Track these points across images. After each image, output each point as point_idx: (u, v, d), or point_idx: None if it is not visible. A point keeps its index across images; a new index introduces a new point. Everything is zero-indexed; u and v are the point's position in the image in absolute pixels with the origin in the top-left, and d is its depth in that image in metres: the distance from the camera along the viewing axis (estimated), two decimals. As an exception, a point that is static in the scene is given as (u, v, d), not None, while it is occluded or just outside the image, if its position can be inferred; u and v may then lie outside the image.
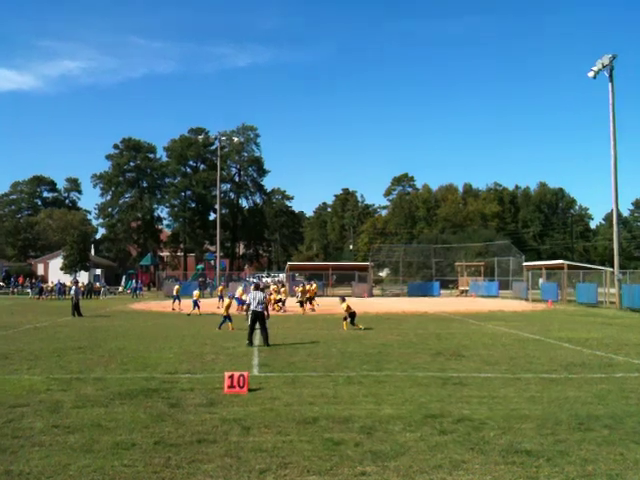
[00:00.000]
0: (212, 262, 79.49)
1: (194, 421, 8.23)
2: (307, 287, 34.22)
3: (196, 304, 29.24)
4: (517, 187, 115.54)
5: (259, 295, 17.13)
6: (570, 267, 45.50)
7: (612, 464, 6.51)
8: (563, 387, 10.79)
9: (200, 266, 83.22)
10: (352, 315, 21.83)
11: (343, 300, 22.70)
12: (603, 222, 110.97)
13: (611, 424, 8.13)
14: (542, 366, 13.31)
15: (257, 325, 16.83)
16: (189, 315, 28.51)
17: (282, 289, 34.41)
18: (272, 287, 35.78)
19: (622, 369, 12.92)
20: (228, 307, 21.72)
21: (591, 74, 38.05)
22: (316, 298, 35.26)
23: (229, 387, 10.09)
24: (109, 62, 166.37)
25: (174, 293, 34.25)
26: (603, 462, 6.57)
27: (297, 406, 9.13)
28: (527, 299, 45.61)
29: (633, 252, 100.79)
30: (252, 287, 18.89)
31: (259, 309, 16.72)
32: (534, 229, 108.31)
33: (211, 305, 33.56)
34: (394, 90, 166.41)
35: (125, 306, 38.65)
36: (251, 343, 16.52)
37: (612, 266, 38.98)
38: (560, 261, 49.23)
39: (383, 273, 78.72)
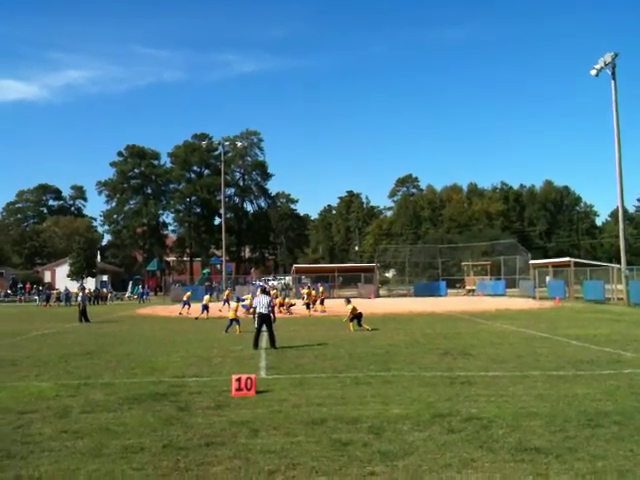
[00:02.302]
0: (218, 266, 79.71)
1: (202, 424, 8.23)
2: (312, 291, 34.48)
3: (205, 308, 29.38)
4: (522, 186, 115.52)
5: (265, 299, 17.14)
6: (577, 264, 45.37)
7: (622, 460, 6.47)
8: (571, 384, 10.75)
9: (206, 270, 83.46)
10: (358, 316, 21.82)
11: (348, 302, 22.73)
12: (609, 219, 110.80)
13: (620, 420, 8.09)
14: (550, 363, 13.26)
15: (264, 328, 16.84)
16: (197, 319, 28.56)
17: (304, 290, 34.79)
18: (273, 291, 35.87)
19: (631, 365, 12.85)
20: (236, 310, 21.85)
21: (594, 72, 37.99)
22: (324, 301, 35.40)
23: (237, 390, 10.09)
24: (115, 71, 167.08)
25: (184, 298, 34.38)
26: (613, 458, 6.53)
27: (305, 407, 9.12)
28: (534, 297, 45.47)
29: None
30: (258, 291, 18.91)
31: (266, 312, 16.72)
32: (540, 227, 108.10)
33: (216, 308, 33.51)
34: (397, 92, 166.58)
35: (132, 311, 38.72)
36: (257, 346, 16.51)
37: (619, 263, 38.86)
38: (567, 258, 49.07)
39: (389, 274, 78.69)
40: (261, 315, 16.68)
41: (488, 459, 6.55)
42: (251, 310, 20.75)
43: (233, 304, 23.21)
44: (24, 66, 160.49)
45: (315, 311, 32.55)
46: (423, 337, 19.22)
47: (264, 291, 18.21)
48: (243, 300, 26.25)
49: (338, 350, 16.04)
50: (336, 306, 34.70)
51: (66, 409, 9.26)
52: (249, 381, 10.14)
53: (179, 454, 6.88)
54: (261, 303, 16.88)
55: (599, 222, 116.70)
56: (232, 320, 21.43)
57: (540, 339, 18.19)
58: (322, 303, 34.80)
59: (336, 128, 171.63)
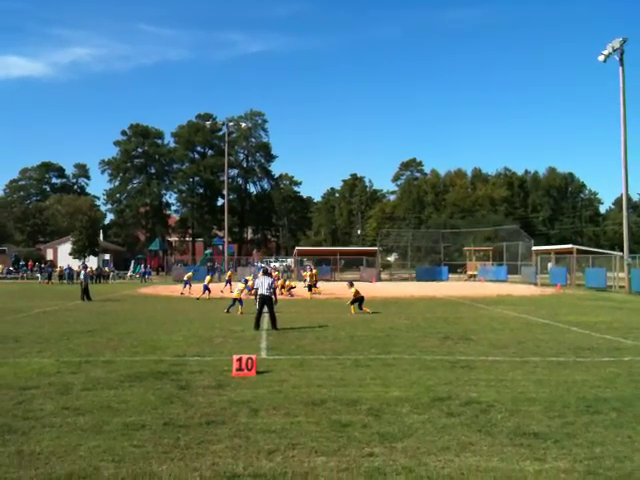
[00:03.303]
0: (220, 247, 79.71)
1: (203, 403, 8.28)
2: (306, 273, 34.79)
3: (206, 288, 29.44)
4: (526, 172, 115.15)
5: (267, 280, 17.18)
6: (579, 252, 45.31)
7: (620, 446, 6.50)
8: (571, 370, 10.78)
9: (208, 251, 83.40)
10: (360, 299, 21.88)
11: (351, 285, 22.80)
12: (613, 206, 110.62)
13: (619, 407, 8.12)
14: (550, 350, 13.29)
15: (265, 309, 16.88)
16: (198, 299, 28.64)
17: (306, 273, 35.03)
18: (274, 273, 36.11)
19: (631, 353, 12.89)
20: (242, 291, 22.02)
21: (601, 58, 37.71)
22: (317, 284, 35.52)
23: (237, 370, 10.13)
24: (120, 49, 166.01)
25: (185, 278, 34.44)
26: (611, 444, 6.56)
27: (305, 388, 9.16)
28: (536, 283, 45.47)
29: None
30: (260, 272, 18.97)
31: (267, 293, 16.76)
32: (543, 214, 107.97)
33: (217, 289, 33.57)
34: (403, 75, 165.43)
35: (134, 290, 38.84)
36: (258, 327, 16.56)
37: (622, 250, 38.82)
38: (569, 245, 49.01)
39: (391, 258, 78.70)
40: (262, 296, 16.72)
41: (486, 443, 6.58)
42: (252, 291, 20.82)
43: (240, 285, 23.27)
44: (29, 42, 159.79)
45: (316, 293, 32.54)
46: (424, 321, 19.26)
47: (266, 273, 18.26)
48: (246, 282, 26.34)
49: (339, 332, 16.09)
50: (337, 289, 34.80)
51: (67, 386, 9.31)
52: (250, 361, 10.18)
53: (179, 432, 6.93)
54: (263, 284, 16.91)
55: (603, 210, 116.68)
56: (235, 300, 21.53)
57: (541, 325, 18.23)
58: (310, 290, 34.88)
59: (341, 110, 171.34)
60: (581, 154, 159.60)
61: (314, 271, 36.83)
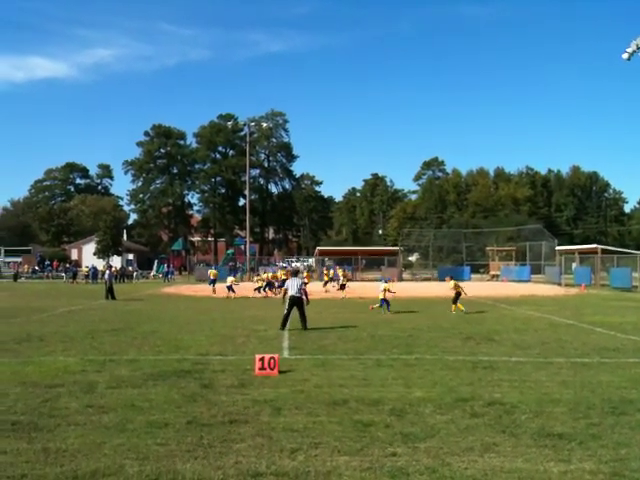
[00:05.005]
0: (242, 247, 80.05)
1: (226, 402, 8.31)
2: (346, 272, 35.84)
3: (231, 288, 29.85)
4: (550, 171, 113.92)
5: (297, 281, 17.15)
6: (604, 251, 44.79)
7: (646, 448, 6.42)
8: (596, 371, 10.66)
9: (230, 251, 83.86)
10: (457, 295, 22.51)
11: (451, 279, 23.35)
12: (638, 206, 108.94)
13: (645, 408, 8.01)
14: (575, 350, 13.15)
15: (294, 311, 16.82)
16: (228, 298, 29.03)
17: (339, 272, 35.87)
18: (305, 273, 37.00)
19: (657, 354, 12.71)
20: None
21: (625, 56, 37.14)
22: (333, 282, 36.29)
23: (260, 369, 10.16)
24: (142, 49, 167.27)
25: (212, 277, 34.67)
26: (637, 446, 6.47)
27: (327, 388, 9.16)
28: (560, 284, 45.02)
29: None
30: (290, 273, 19.07)
31: (297, 294, 16.74)
32: (567, 213, 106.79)
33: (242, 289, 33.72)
34: (425, 74, 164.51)
35: (157, 290, 39.16)
36: (284, 327, 16.52)
37: (647, 250, 38.28)
38: (594, 245, 48.46)
39: (413, 258, 78.44)
40: (292, 298, 16.62)
41: (510, 444, 6.53)
42: (282, 290, 20.90)
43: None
44: (52, 42, 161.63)
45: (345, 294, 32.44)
46: (446, 321, 19.18)
47: (295, 274, 18.19)
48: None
49: (361, 332, 16.07)
50: (359, 289, 34.74)
51: (92, 384, 9.41)
52: (272, 361, 10.21)
53: (202, 430, 6.97)
54: (293, 286, 16.83)
55: (628, 209, 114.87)
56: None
57: (565, 326, 18.04)
58: (325, 284, 36.48)
59: (362, 109, 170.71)
60: (606, 153, 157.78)
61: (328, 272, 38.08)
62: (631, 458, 6.08)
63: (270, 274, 35.20)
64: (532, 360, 11.86)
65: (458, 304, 22.07)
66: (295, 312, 16.70)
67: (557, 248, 52.81)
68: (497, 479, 5.53)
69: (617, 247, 54.13)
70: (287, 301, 16.96)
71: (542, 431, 6.97)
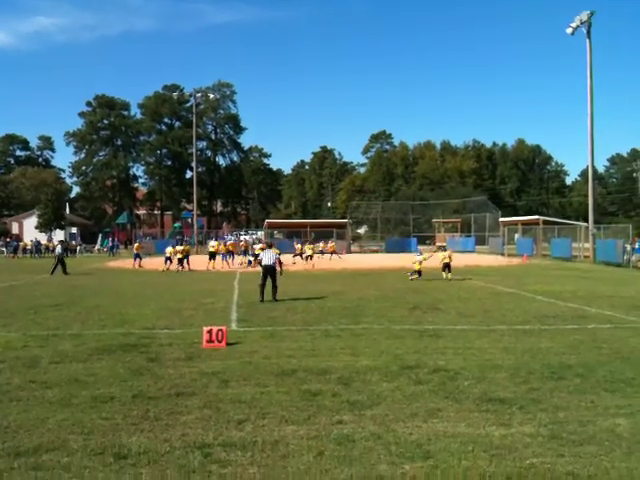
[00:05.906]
0: (189, 220, 79.12)
1: (173, 375, 8.25)
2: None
3: (170, 260, 29.68)
4: (495, 144, 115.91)
5: (271, 252, 17.45)
6: (545, 222, 46.07)
7: (583, 411, 6.66)
8: (537, 338, 10.99)
9: (177, 224, 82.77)
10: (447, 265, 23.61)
11: (444, 250, 23.85)
12: (579, 178, 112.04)
13: (583, 373, 8.30)
14: (516, 318, 13.53)
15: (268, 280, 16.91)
16: (178, 272, 28.84)
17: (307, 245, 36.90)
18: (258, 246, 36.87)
19: (594, 320, 13.18)
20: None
21: (569, 30, 37.87)
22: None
23: (208, 342, 10.11)
24: (85, 18, 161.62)
25: (135, 251, 34.38)
26: (574, 409, 6.72)
27: (275, 359, 9.19)
28: (503, 254, 46.13)
29: (608, 208, 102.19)
30: (264, 245, 19.64)
31: (270, 264, 16.93)
32: (511, 185, 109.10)
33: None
34: (372, 46, 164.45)
35: (102, 264, 38.43)
36: (263, 299, 16.51)
37: (587, 221, 39.50)
38: (536, 217, 49.75)
39: (361, 230, 79.04)
40: (266, 267, 16.86)
41: (453, 409, 6.69)
42: (255, 261, 21.43)
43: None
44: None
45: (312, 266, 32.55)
46: (393, 292, 19.43)
47: (270, 246, 18.72)
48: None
49: (309, 304, 16.14)
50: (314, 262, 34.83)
51: (35, 359, 9.19)
52: (220, 333, 10.17)
53: (149, 404, 6.91)
54: (267, 256, 17.16)
55: (569, 181, 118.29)
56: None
57: (507, 295, 18.52)
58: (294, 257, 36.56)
59: (311, 82, 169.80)
60: (549, 126, 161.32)
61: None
62: (569, 421, 6.31)
63: (172, 249, 31.91)
64: (475, 328, 12.15)
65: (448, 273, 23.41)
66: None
67: (501, 219, 54.01)
68: (440, 444, 5.66)
69: (558, 218, 55.70)
70: (262, 271, 17.16)
71: (484, 396, 7.17)
